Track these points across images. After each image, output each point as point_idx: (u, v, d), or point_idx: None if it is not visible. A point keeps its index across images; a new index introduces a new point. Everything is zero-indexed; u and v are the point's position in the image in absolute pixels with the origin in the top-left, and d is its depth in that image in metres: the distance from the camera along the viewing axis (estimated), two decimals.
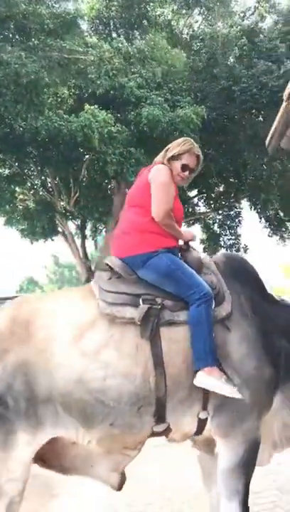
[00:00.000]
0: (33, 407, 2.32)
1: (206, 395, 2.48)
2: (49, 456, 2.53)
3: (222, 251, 18.00)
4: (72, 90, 13.11)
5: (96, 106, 11.24)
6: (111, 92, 12.07)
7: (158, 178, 2.74)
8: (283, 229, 18.76)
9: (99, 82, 10.92)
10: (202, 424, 2.55)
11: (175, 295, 2.60)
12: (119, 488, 2.58)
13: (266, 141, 3.85)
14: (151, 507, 3.60)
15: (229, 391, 2.41)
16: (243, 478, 2.52)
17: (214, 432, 2.55)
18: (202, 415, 2.52)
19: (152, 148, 12.20)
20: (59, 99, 12.91)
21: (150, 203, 2.71)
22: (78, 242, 19.16)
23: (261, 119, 14.53)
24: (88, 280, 18.46)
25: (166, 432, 2.54)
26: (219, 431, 2.54)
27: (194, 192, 20.15)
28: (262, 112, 13.91)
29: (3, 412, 2.32)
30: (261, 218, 18.72)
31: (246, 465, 2.54)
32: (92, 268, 18.77)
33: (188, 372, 2.48)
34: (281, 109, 3.47)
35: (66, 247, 18.98)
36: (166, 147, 2.92)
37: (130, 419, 2.40)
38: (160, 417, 2.45)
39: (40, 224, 15.44)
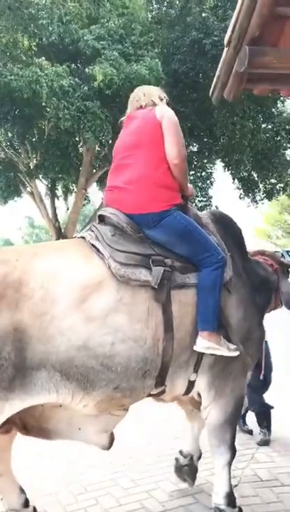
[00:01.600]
0: (20, 375, 2.11)
1: (199, 358, 2.50)
2: (32, 423, 2.39)
3: (209, 209, 17.84)
4: (31, 40, 12.29)
5: (44, 58, 10.52)
6: (68, 43, 11.33)
7: (173, 118, 2.52)
8: (256, 190, 18.58)
9: (51, 28, 10.14)
10: (190, 385, 2.59)
11: (183, 257, 2.49)
12: (109, 447, 2.56)
13: (210, 92, 3.54)
14: (92, 469, 3.50)
15: (228, 352, 2.47)
16: (230, 429, 2.70)
17: (204, 393, 2.62)
18: (193, 377, 2.55)
19: (109, 102, 11.69)
20: (15, 51, 12.08)
21: (162, 148, 2.48)
22: (48, 202, 18.77)
23: None
24: None
25: (159, 394, 2.56)
26: (211, 391, 2.61)
27: None
28: None
29: None
30: (234, 179, 18.49)
31: (234, 419, 2.73)
32: (62, 230, 18.49)
33: (192, 336, 2.45)
34: (223, 57, 3.16)
35: (36, 207, 18.60)
36: (149, 91, 2.76)
37: (134, 383, 2.33)
38: (160, 380, 2.43)
39: (2, 184, 14.84)
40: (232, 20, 2.87)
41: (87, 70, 11.20)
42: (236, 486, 3.17)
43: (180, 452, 3.30)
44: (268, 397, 4.09)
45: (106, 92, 10.71)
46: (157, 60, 11.32)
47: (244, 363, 2.68)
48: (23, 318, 2.11)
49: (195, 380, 2.58)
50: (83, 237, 2.54)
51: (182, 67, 12.47)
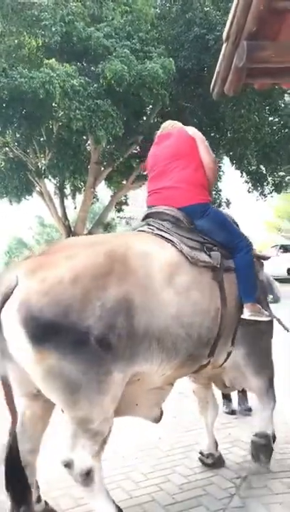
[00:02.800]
0: (130, 345, 2.31)
1: (235, 331, 2.94)
2: None
3: (218, 203, 17.82)
4: (38, 41, 12.31)
5: (54, 59, 10.52)
6: (76, 42, 11.32)
7: (201, 135, 3.15)
8: (265, 184, 18.46)
9: (54, 29, 10.15)
10: (227, 357, 2.99)
11: (223, 244, 2.95)
12: (159, 420, 2.84)
13: (211, 87, 3.56)
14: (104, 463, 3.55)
15: (266, 318, 2.99)
16: (272, 386, 3.28)
17: (243, 362, 3.05)
18: (230, 349, 2.97)
19: (121, 100, 11.68)
20: (21, 53, 12.12)
21: (199, 158, 3.04)
22: (57, 201, 18.84)
23: None
24: None
25: (205, 365, 2.91)
26: (249, 361, 3.06)
27: None
28: None
29: (103, 354, 2.21)
30: (242, 173, 18.38)
31: (272, 376, 3.27)
32: (72, 228, 18.56)
33: (236, 311, 2.92)
34: (222, 52, 3.17)
35: (46, 207, 18.68)
36: (176, 125, 3.28)
37: (200, 351, 2.72)
38: (212, 350, 2.81)
39: (12, 183, 14.93)
40: (230, 16, 2.89)
41: (96, 68, 11.22)
42: (246, 477, 3.21)
43: (201, 454, 3.41)
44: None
45: (116, 89, 10.71)
46: (171, 58, 11.30)
47: (271, 328, 3.21)
48: (130, 291, 2.33)
49: (230, 352, 2.98)
50: (141, 231, 2.89)
51: (187, 63, 12.43)
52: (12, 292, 2.17)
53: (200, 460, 3.43)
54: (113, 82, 10.49)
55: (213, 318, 2.73)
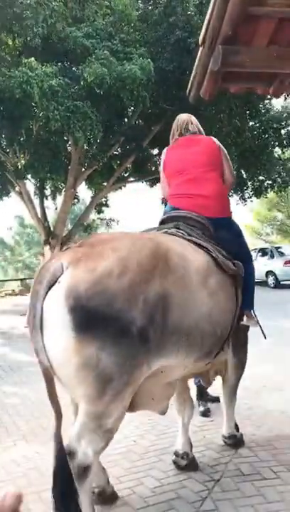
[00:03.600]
0: (162, 339, 2.39)
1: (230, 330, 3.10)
2: None
3: None
4: (16, 41, 12.16)
5: (33, 59, 10.38)
6: (56, 42, 11.21)
7: (224, 149, 3.36)
8: (245, 188, 18.59)
9: (36, 29, 10.05)
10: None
11: (236, 254, 3.17)
12: (165, 412, 2.96)
13: (187, 91, 3.57)
14: None
15: (256, 326, 3.36)
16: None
17: (230, 358, 3.38)
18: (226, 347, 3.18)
19: (101, 101, 11.62)
20: (1, 52, 11.92)
21: (221, 169, 3.29)
22: (37, 202, 18.67)
23: None
24: (48, 242, 18.19)
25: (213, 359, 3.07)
26: (234, 357, 3.41)
27: (157, 150, 19.72)
28: None
29: (140, 347, 2.26)
30: None
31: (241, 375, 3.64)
32: (52, 229, 18.42)
33: (238, 313, 3.19)
34: (198, 57, 3.18)
35: (25, 207, 18.50)
36: (195, 121, 3.58)
37: (216, 347, 2.93)
38: (222, 347, 3.04)
39: None
40: (205, 20, 2.90)
41: (76, 69, 11.12)
42: (218, 480, 3.21)
43: (176, 454, 3.41)
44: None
45: (96, 91, 10.64)
46: (149, 59, 11.27)
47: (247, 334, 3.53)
48: (170, 288, 2.43)
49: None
50: (171, 234, 3.02)
51: (168, 65, 12.44)
52: (57, 280, 2.21)
53: (174, 462, 3.42)
54: (93, 84, 10.43)
55: (231, 319, 3.03)
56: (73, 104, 10.67)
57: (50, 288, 2.21)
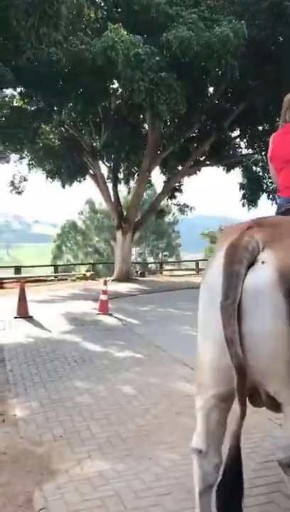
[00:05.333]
0: None
1: None
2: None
3: None
4: (98, 12, 11.52)
5: (120, 24, 9.64)
6: (138, 11, 10.42)
7: None
8: None
9: None
10: None
11: None
12: None
13: None
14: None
15: None
16: None
17: None
18: None
19: (186, 73, 10.72)
20: (83, 21, 11.33)
21: None
22: (110, 186, 18.22)
23: None
24: (120, 227, 17.69)
25: None
26: None
27: (236, 132, 18.55)
28: None
29: None
30: None
31: None
32: (125, 214, 17.89)
33: None
34: None
35: (98, 191, 18.10)
36: None
37: None
38: None
39: (65, 163, 14.29)
40: None
41: (159, 38, 10.28)
42: None
43: None
44: None
45: (181, 60, 9.76)
46: (243, 21, 10.19)
47: None
48: None
49: None
50: None
51: (259, 33, 11.23)
52: (256, 260, 1.96)
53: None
54: (178, 52, 9.53)
55: None
56: (158, 75, 9.86)
57: (249, 267, 1.93)
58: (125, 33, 9.73)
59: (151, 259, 40.99)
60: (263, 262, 1.94)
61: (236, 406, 1.94)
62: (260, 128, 17.26)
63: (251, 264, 1.95)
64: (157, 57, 10.37)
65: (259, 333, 1.90)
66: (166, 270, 26.43)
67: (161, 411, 4.33)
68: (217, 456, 2.14)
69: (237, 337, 1.88)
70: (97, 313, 9.43)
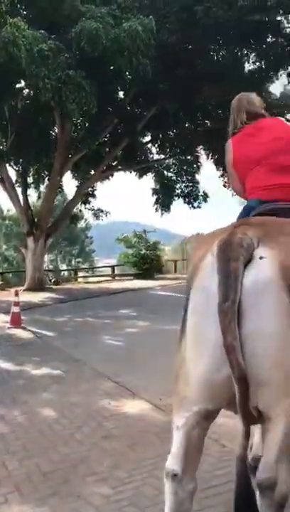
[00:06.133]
0: None
1: None
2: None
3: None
4: (1, 6, 10.79)
5: (20, 18, 9.06)
6: (46, 6, 9.91)
7: None
8: None
9: None
10: None
11: None
12: None
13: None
14: None
15: None
16: None
17: None
18: None
19: (95, 70, 10.37)
20: None
21: None
22: (20, 190, 17.37)
23: (224, 48, 12.82)
24: (31, 233, 16.86)
25: None
26: None
27: (148, 137, 18.56)
28: (227, 37, 12.14)
29: None
30: (217, 166, 17.45)
31: None
32: (35, 220, 17.10)
33: None
34: None
35: (6, 196, 17.15)
36: (259, 101, 3.03)
37: None
38: None
39: None
40: None
41: (68, 33, 9.80)
42: None
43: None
44: None
45: (91, 55, 9.36)
46: (151, 16, 10.04)
47: None
48: None
49: None
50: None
51: (170, 37, 11.21)
52: (252, 257, 1.86)
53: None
54: (87, 46, 9.14)
55: None
56: (65, 73, 9.38)
57: (246, 264, 1.82)
58: (27, 27, 9.13)
59: (63, 266, 40.05)
60: (261, 258, 1.83)
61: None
62: (171, 133, 17.41)
63: (247, 261, 1.83)
64: (66, 54, 9.90)
65: (261, 335, 1.77)
66: (81, 277, 25.83)
67: (87, 435, 3.89)
68: (192, 481, 1.92)
69: (239, 343, 1.72)
70: (9, 327, 8.74)
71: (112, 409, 4.42)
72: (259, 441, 2.40)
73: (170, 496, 1.90)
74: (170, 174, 18.59)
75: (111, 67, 10.45)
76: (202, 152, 17.39)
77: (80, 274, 28.37)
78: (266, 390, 1.80)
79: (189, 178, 17.63)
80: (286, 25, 13.58)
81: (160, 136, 17.32)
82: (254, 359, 1.76)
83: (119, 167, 18.94)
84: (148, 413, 4.31)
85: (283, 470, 1.81)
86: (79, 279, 24.15)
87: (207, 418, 1.93)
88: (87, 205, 20.19)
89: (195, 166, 17.35)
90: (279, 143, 2.89)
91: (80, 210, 21.97)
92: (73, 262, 43.16)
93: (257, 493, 1.79)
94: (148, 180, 19.91)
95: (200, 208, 18.14)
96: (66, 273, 30.46)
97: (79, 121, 14.19)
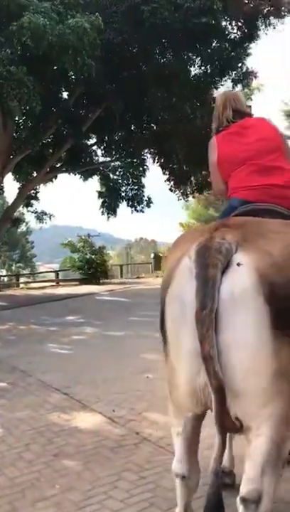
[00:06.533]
0: None
1: None
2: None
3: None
4: None
5: None
6: None
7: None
8: (188, 183, 17.68)
9: None
10: None
11: None
12: None
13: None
14: None
15: None
16: None
17: None
18: None
19: (38, 67, 9.98)
20: None
21: (285, 154, 2.91)
22: None
23: (171, 51, 12.80)
24: None
25: None
26: None
27: (93, 139, 18.26)
28: (173, 40, 12.14)
29: None
30: (164, 170, 17.45)
31: None
32: None
33: None
34: None
35: None
36: (243, 99, 3.12)
37: None
38: None
39: None
40: None
41: (9, 28, 9.33)
42: None
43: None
44: None
45: (34, 52, 8.96)
46: (98, 13, 9.79)
47: None
48: None
49: None
50: None
51: (117, 37, 11.03)
52: (230, 263, 1.80)
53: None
54: (30, 42, 8.75)
55: None
56: (6, 69, 8.92)
57: (224, 270, 1.79)
58: None
59: (3, 272, 38.75)
60: (238, 264, 1.80)
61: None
62: (117, 136, 17.22)
63: (225, 267, 1.81)
64: (8, 50, 9.45)
65: (238, 345, 1.76)
66: (22, 283, 25.01)
67: (36, 454, 3.55)
68: (197, 474, 2.07)
69: (216, 352, 1.72)
70: None
71: (63, 424, 4.10)
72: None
73: (182, 488, 2.06)
74: (116, 177, 18.36)
75: (55, 67, 10.07)
76: (148, 156, 17.33)
77: (22, 279, 27.46)
78: (244, 400, 1.79)
79: (135, 181, 17.49)
80: (230, 30, 13.91)
81: (106, 138, 17.06)
82: (231, 369, 1.74)
83: (63, 169, 18.51)
84: (102, 426, 4.04)
85: (266, 483, 1.79)
86: (21, 285, 23.36)
87: (199, 420, 2.00)
88: (30, 208, 19.56)
89: (140, 169, 17.23)
90: (264, 143, 2.90)
91: (22, 214, 21.25)
92: (13, 268, 41.87)
93: (240, 508, 1.76)
94: (94, 183, 19.63)
95: (143, 212, 18.04)
96: (6, 279, 29.47)
97: (21, 120, 13.62)
